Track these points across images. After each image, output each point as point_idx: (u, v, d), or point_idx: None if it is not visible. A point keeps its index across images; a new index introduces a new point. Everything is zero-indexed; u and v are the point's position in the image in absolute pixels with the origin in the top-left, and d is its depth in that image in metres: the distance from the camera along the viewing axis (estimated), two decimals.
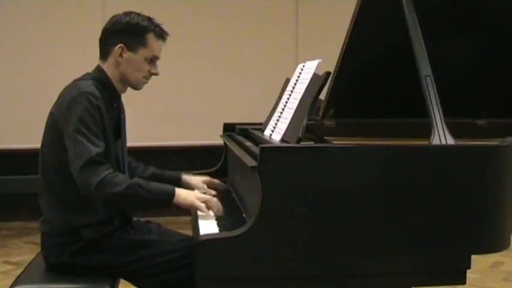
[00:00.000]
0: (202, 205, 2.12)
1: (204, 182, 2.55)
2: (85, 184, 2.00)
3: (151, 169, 2.57)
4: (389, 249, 1.91)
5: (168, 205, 2.11)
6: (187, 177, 2.58)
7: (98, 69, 2.23)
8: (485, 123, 2.72)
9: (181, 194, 2.11)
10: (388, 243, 1.91)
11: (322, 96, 2.28)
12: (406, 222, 1.90)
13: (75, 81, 2.20)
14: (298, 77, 2.35)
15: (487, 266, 4.09)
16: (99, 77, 2.20)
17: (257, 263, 1.83)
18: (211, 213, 2.16)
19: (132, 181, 2.06)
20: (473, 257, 1.95)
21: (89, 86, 2.12)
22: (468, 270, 1.96)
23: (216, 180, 2.67)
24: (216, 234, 1.94)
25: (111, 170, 2.03)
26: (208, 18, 5.42)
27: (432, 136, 1.98)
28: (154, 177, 2.53)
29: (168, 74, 4.89)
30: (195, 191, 2.30)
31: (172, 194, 2.09)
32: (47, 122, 2.18)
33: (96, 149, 2.02)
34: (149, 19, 2.22)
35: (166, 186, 2.14)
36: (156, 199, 2.09)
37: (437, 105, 2.02)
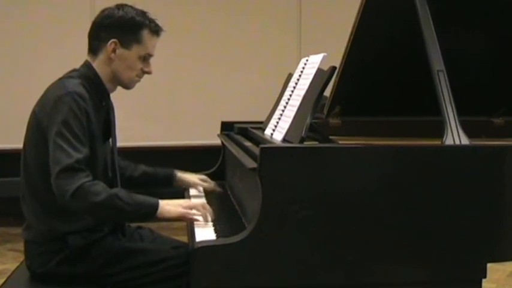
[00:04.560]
0: (191, 214, 2.10)
1: (201, 180, 2.55)
2: (60, 192, 1.96)
3: (142, 167, 2.57)
4: (399, 257, 1.91)
5: (151, 218, 2.06)
6: (182, 175, 2.58)
7: (87, 65, 2.21)
8: (502, 122, 2.71)
9: (164, 206, 2.06)
10: (397, 251, 1.90)
11: (327, 92, 2.28)
12: (417, 228, 1.90)
13: (60, 79, 2.18)
14: (302, 72, 2.35)
15: (504, 275, 4.08)
16: (87, 74, 2.18)
17: (257, 271, 1.83)
18: (208, 219, 2.14)
19: (111, 192, 2.01)
20: (489, 265, 1.95)
21: (77, 86, 2.10)
22: (484, 280, 1.96)
23: (213, 184, 2.67)
24: (213, 240, 1.94)
25: (90, 178, 1.99)
26: (207, 12, 5.41)
27: (445, 136, 1.98)
28: (145, 176, 2.54)
29: (164, 69, 4.88)
30: (181, 200, 2.23)
31: (156, 207, 2.05)
32: (29, 122, 2.17)
33: (77, 154, 1.98)
34: (144, 13, 2.21)
35: (149, 199, 2.07)
36: (137, 212, 2.04)
37: (451, 102, 2.02)
